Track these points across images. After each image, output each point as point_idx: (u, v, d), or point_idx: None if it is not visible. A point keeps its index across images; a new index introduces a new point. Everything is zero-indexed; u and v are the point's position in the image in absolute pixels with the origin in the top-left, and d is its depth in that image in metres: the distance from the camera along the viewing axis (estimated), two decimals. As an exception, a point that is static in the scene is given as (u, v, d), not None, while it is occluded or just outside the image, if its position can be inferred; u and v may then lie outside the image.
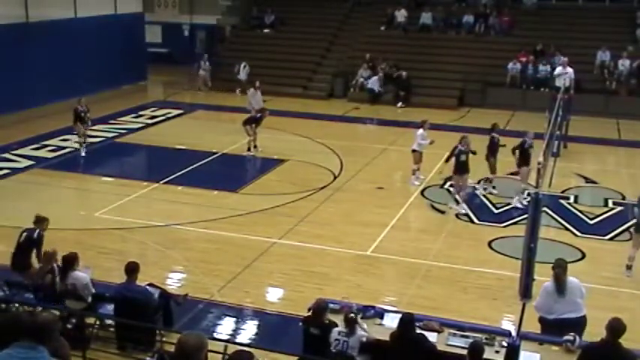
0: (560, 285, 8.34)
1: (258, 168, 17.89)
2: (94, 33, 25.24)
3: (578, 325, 8.21)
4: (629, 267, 11.76)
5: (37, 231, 9.88)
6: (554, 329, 8.24)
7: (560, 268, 8.46)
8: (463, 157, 14.32)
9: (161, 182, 16.05)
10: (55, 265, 9.21)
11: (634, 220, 13.98)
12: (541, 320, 8.53)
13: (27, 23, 22.69)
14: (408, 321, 7.69)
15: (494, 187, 15.48)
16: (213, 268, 11.64)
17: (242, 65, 26.46)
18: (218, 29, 31.50)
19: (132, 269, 8.82)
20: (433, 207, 14.84)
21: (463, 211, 14.28)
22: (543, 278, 10.73)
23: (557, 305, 8.31)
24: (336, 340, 7.82)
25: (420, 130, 16.07)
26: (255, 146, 18.46)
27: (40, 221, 10.02)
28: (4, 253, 9.82)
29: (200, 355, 4.41)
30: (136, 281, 8.90)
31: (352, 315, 7.93)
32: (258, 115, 18.55)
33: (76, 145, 18.48)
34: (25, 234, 9.92)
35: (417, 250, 12.55)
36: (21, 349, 4.26)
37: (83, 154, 18.13)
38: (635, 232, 11.80)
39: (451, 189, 15.14)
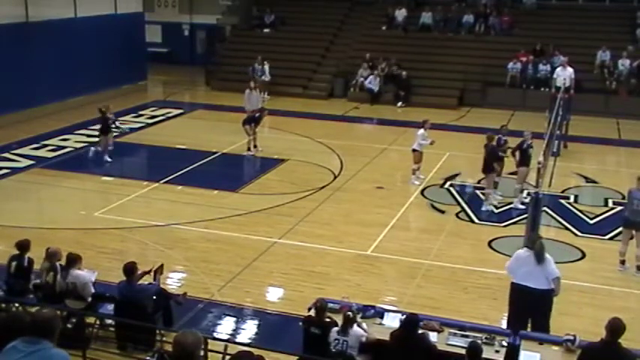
0: (539, 254, 8.67)
1: (258, 168, 17.89)
2: (94, 33, 25.25)
3: (537, 296, 8.59)
4: (622, 262, 11.80)
5: (27, 258, 9.43)
6: (515, 293, 8.81)
7: (539, 242, 8.84)
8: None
9: (161, 182, 16.05)
10: (57, 263, 9.19)
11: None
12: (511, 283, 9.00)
13: (27, 23, 22.70)
14: (412, 322, 7.69)
15: (499, 194, 15.31)
16: (213, 267, 11.64)
17: (263, 64, 26.00)
18: (218, 29, 31.50)
19: (130, 269, 8.82)
20: (433, 207, 14.84)
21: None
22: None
23: (520, 269, 8.75)
24: (336, 339, 7.82)
25: (421, 130, 16.05)
26: (255, 146, 18.46)
27: (25, 247, 9.50)
28: (4, 252, 9.81)
29: (198, 352, 4.44)
30: (136, 281, 8.89)
31: (349, 314, 7.94)
32: (257, 114, 18.55)
33: (92, 149, 18.02)
34: (14, 263, 9.41)
35: (417, 249, 12.55)
36: (25, 343, 4.35)
37: (109, 159, 17.61)
38: (624, 228, 11.85)
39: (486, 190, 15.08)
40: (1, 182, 16.06)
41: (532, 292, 8.62)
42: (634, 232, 11.66)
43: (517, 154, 14.72)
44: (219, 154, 18.42)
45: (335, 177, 16.64)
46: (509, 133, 15.60)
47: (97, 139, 18.07)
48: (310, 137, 20.28)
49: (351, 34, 28.99)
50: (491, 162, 14.52)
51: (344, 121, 23.22)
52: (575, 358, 7.32)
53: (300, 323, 8.45)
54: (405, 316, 8.03)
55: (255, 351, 7.13)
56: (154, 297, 9.04)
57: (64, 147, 18.99)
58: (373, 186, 16.04)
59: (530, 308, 8.73)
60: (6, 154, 17.97)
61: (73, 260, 9.04)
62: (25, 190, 15.69)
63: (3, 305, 8.94)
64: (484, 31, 27.61)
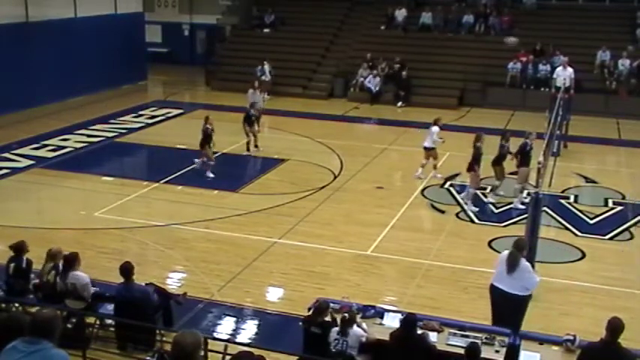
0: (511, 263, 8.76)
1: (258, 168, 17.88)
2: (94, 33, 25.26)
3: (506, 298, 8.70)
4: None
5: (25, 259, 9.41)
6: (490, 291, 8.99)
7: (515, 249, 8.92)
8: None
9: (161, 182, 16.04)
10: (59, 263, 9.18)
11: (635, 219, 14.11)
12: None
13: (27, 23, 22.70)
14: (410, 321, 7.69)
15: (501, 193, 15.25)
16: (213, 267, 11.64)
17: (265, 65, 26.02)
18: (218, 29, 31.51)
19: (127, 269, 8.79)
20: (433, 207, 14.84)
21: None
22: (543, 278, 10.78)
23: (497, 269, 8.94)
24: (336, 339, 7.83)
25: (435, 127, 16.24)
26: (256, 146, 18.42)
27: (21, 248, 9.46)
28: (4, 252, 9.81)
29: (198, 352, 4.42)
30: (134, 281, 8.87)
31: (345, 315, 7.95)
32: (251, 112, 18.28)
33: (197, 166, 16.63)
34: (12, 265, 9.40)
35: (417, 249, 12.54)
36: (26, 343, 4.34)
37: (211, 175, 16.38)
38: None
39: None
40: (1, 182, 16.06)
41: (502, 293, 8.77)
42: None
43: (519, 156, 14.70)
44: (219, 154, 18.38)
45: (335, 177, 16.64)
46: (510, 134, 15.59)
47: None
48: (310, 137, 20.27)
49: (351, 34, 28.98)
50: (473, 162, 14.57)
51: (344, 121, 23.21)
52: (575, 358, 7.32)
53: (300, 323, 8.45)
54: (403, 316, 8.02)
55: (256, 351, 7.13)
56: (154, 298, 9.03)
57: (64, 147, 18.98)
58: (373, 186, 16.03)
59: (501, 308, 8.82)
60: (6, 154, 17.96)
61: (72, 261, 9.03)
62: (25, 190, 15.69)
63: (3, 305, 8.93)
64: (484, 31, 27.60)
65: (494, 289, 8.90)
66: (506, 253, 8.97)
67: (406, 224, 13.96)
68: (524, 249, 8.95)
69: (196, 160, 16.68)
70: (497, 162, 15.21)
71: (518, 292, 8.68)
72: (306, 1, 30.61)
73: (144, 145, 19.87)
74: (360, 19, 29.58)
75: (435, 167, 16.45)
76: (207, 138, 16.37)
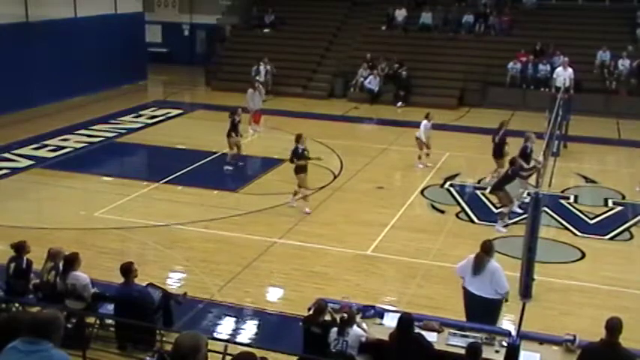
0: (477, 265, 8.89)
1: (258, 168, 17.88)
2: (94, 33, 25.28)
3: (479, 302, 8.78)
4: None
5: (25, 259, 9.40)
6: (463, 294, 9.07)
7: (481, 251, 9.04)
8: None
9: (161, 182, 16.04)
10: (60, 263, 9.18)
11: (635, 219, 14.10)
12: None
13: (27, 23, 22.71)
14: (406, 321, 7.69)
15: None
16: (213, 267, 11.64)
17: (261, 65, 25.91)
18: (218, 29, 31.52)
19: (127, 269, 8.79)
20: (433, 207, 14.84)
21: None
22: (543, 278, 10.80)
23: (467, 274, 9.01)
24: (335, 339, 7.82)
25: (425, 121, 17.06)
26: (240, 159, 17.49)
27: (21, 248, 9.46)
28: (4, 252, 9.81)
29: (196, 356, 4.35)
30: (134, 280, 8.87)
31: (344, 315, 7.95)
32: (237, 120, 17.32)
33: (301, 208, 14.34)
34: (12, 265, 9.40)
35: (417, 249, 12.54)
36: (25, 343, 4.32)
37: (293, 204, 14.44)
38: None
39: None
40: (1, 182, 16.06)
41: (472, 296, 8.84)
42: None
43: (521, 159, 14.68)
44: (219, 154, 18.39)
45: (335, 177, 16.64)
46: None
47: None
48: (310, 137, 20.19)
49: (351, 34, 28.99)
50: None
51: (344, 121, 23.21)
52: (575, 358, 7.32)
53: (301, 323, 8.45)
54: (399, 316, 8.01)
55: (256, 351, 7.12)
56: (155, 298, 9.03)
57: (64, 147, 18.99)
58: (373, 186, 16.03)
59: (474, 310, 8.87)
60: (6, 154, 17.97)
61: (72, 261, 9.03)
62: (25, 190, 15.69)
63: (3, 305, 8.93)
64: (484, 31, 27.60)
65: (465, 292, 8.99)
66: (473, 255, 9.05)
67: (406, 224, 13.95)
68: (492, 250, 9.03)
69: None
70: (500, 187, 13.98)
71: (486, 295, 8.75)
72: (306, 1, 30.61)
73: (144, 145, 19.87)
74: (360, 19, 29.58)
75: (427, 155, 17.25)
76: (300, 158, 14.09)
